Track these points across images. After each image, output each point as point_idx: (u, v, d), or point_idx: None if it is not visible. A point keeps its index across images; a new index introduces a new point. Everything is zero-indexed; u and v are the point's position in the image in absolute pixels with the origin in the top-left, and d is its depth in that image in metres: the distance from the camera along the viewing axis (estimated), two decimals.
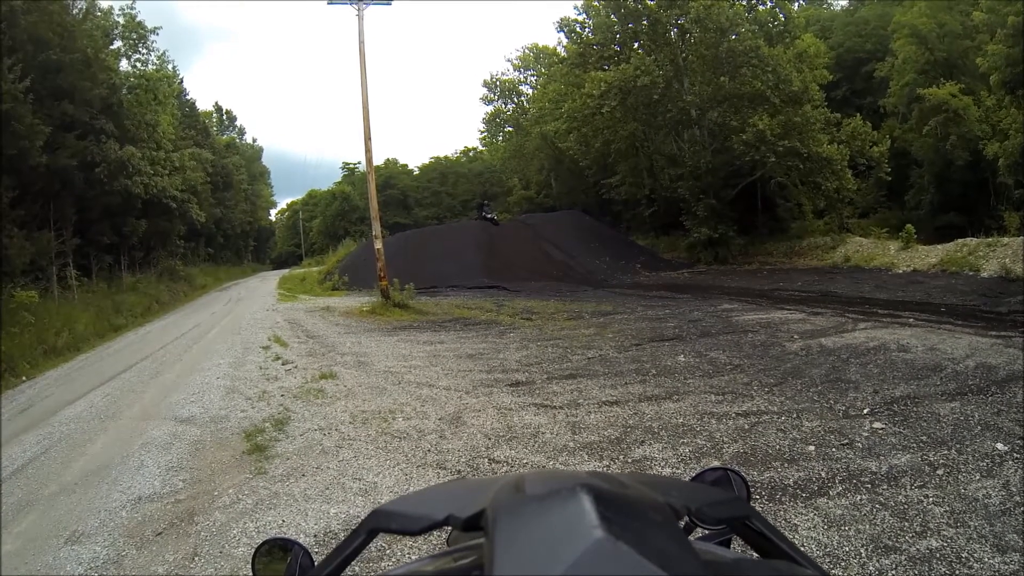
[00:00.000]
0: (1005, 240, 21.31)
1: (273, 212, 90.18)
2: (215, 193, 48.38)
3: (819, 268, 26.12)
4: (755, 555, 0.99)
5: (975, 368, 9.13)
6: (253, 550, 1.64)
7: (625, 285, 25.87)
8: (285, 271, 52.68)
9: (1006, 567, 4.40)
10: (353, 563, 1.03)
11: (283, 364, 12.39)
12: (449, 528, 1.00)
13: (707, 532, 1.42)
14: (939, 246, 23.22)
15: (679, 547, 0.69)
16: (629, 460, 6.61)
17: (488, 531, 0.73)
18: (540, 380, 10.09)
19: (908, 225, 25.93)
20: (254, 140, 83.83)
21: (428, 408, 8.81)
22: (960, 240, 22.69)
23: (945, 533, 4.86)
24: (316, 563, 1.51)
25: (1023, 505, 5.27)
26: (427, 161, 73.27)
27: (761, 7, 32.07)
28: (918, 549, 4.65)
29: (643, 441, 7.12)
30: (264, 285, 38.25)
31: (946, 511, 5.20)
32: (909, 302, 15.93)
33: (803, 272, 25.49)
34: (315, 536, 5.22)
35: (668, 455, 6.68)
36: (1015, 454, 6.27)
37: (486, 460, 6.75)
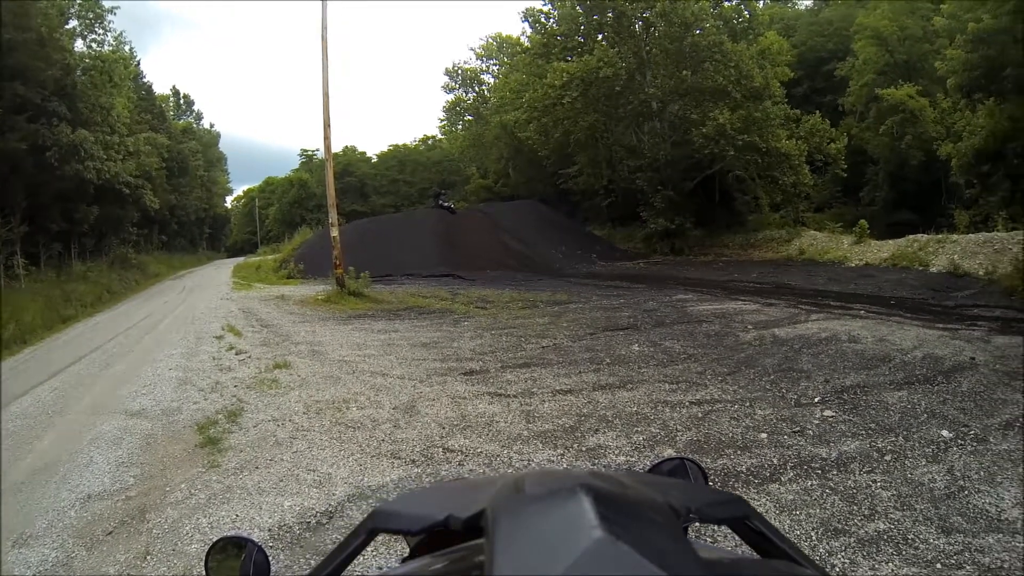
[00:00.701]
0: (954, 237, 21.85)
1: (229, 199, 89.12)
2: (170, 179, 47.59)
3: (774, 260, 26.50)
4: (755, 555, 0.99)
5: (922, 359, 9.36)
6: (206, 548, 1.61)
7: (581, 275, 25.98)
8: (240, 259, 51.91)
9: (951, 547, 4.54)
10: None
11: (237, 354, 12.24)
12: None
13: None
14: (891, 242, 23.74)
15: (679, 547, 0.70)
16: (583, 449, 6.64)
17: (488, 531, 0.74)
18: (494, 369, 10.11)
19: (862, 221, 26.54)
20: (212, 125, 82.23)
21: (382, 397, 8.78)
22: (911, 236, 23.20)
23: (892, 516, 5.00)
24: (270, 560, 1.54)
25: (967, 489, 5.45)
26: (386, 149, 72.49)
27: (727, 3, 32.47)
28: (866, 532, 4.77)
29: (597, 430, 7.16)
30: (219, 273, 37.69)
31: (893, 495, 5.36)
32: (861, 295, 16.24)
33: (758, 264, 25.90)
34: (269, 530, 5.15)
35: (622, 443, 6.73)
36: (959, 441, 6.48)
37: (440, 449, 6.75)
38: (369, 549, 1.30)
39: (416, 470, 6.22)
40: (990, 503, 5.23)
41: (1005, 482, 5.64)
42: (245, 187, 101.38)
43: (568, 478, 0.81)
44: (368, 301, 18.87)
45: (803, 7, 50.24)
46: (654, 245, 32.21)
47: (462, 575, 0.90)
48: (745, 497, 5.21)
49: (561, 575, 0.61)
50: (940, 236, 22.21)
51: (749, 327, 12.27)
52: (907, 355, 9.55)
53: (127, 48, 35.94)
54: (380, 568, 1.84)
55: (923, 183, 30.93)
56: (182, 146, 54.22)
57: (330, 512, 5.40)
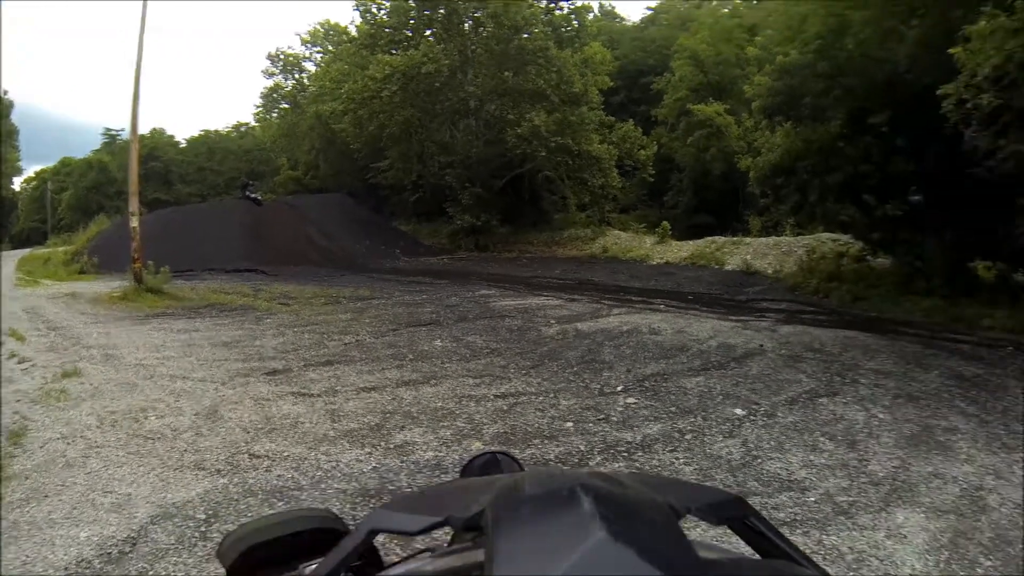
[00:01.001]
0: (748, 240, 24.36)
1: (18, 181, 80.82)
2: None
3: (578, 258, 27.54)
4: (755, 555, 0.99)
5: (717, 347, 10.05)
6: None
7: (384, 270, 25.81)
8: (26, 251, 47.46)
9: None
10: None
11: (19, 363, 10.91)
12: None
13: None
14: (691, 242, 25.59)
15: (679, 547, 0.69)
16: (391, 446, 6.59)
17: (488, 531, 0.72)
18: (297, 367, 9.85)
19: (664, 222, 28.79)
20: (5, 93, 74.17)
21: (183, 403, 8.25)
22: (709, 238, 25.42)
23: None
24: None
25: (760, 458, 6.14)
26: (197, 134, 68.42)
27: (558, 12, 33.23)
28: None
29: (403, 426, 7.14)
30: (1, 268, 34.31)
31: (695, 469, 5.88)
32: (661, 290, 17.18)
33: (562, 261, 26.82)
34: (66, 569, 4.56)
35: (429, 439, 6.74)
36: (751, 417, 7.22)
37: (246, 456, 6.44)
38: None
39: (222, 480, 5.86)
40: (781, 467, 5.89)
41: (793, 449, 6.38)
42: (37, 167, 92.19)
43: (568, 478, 0.82)
44: (168, 298, 17.73)
45: (631, 23, 52.11)
46: (459, 241, 32.55)
47: (462, 575, 0.89)
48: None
49: (561, 575, 0.60)
50: (735, 238, 24.65)
51: (552, 322, 12.65)
52: (703, 344, 10.15)
53: None
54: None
55: (723, 191, 33.41)
56: None
57: (132, 539, 4.88)
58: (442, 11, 32.35)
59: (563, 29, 32.54)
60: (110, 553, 4.68)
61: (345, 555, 0.94)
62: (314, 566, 1.16)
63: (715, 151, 32.73)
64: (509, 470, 1.64)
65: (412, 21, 34.11)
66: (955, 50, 11.39)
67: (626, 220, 35.26)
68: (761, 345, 10.25)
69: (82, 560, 4.61)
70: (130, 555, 4.63)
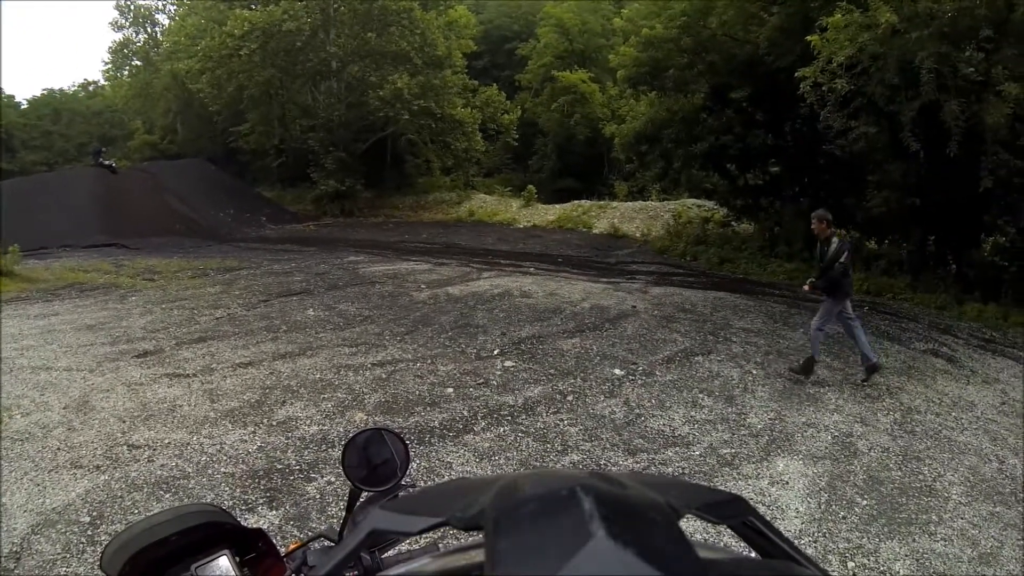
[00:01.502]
0: (615, 204, 24.83)
1: None
2: None
3: (444, 222, 27.61)
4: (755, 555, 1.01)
5: (590, 309, 10.31)
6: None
7: (250, 239, 25.15)
8: None
9: (638, 465, 5.36)
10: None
11: None
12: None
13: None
14: (557, 206, 26.09)
15: (679, 547, 0.69)
16: (274, 423, 6.54)
17: (488, 531, 0.71)
18: (169, 347, 9.53)
19: (530, 186, 29.31)
20: None
21: (49, 397, 7.75)
22: (576, 202, 25.90)
23: (584, 447, 5.69)
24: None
25: (643, 416, 6.40)
26: (39, 94, 62.96)
27: None
28: (562, 464, 5.36)
29: (284, 401, 7.11)
30: None
31: (581, 429, 6.07)
32: (529, 253, 17.44)
33: (428, 225, 26.81)
34: None
35: (312, 412, 6.74)
36: (630, 377, 7.52)
37: (125, 447, 6.20)
38: None
39: (103, 477, 5.60)
40: (664, 424, 6.18)
41: (674, 406, 6.69)
42: None
43: (568, 478, 0.80)
44: (20, 280, 16.43)
45: None
46: (324, 207, 31.93)
47: (462, 575, 0.88)
48: (444, 451, 5.48)
49: (561, 575, 0.60)
50: (602, 203, 25.17)
51: (423, 286, 12.76)
52: (576, 307, 10.38)
53: None
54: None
55: (588, 156, 34.31)
56: None
57: (16, 553, 4.57)
58: None
59: None
60: None
61: (345, 555, 0.93)
62: (207, 563, 1.15)
63: (579, 117, 33.38)
64: (393, 444, 1.67)
65: None
66: (812, 38, 12.24)
67: (491, 184, 35.56)
68: (634, 306, 10.71)
69: None
70: (15, 571, 4.38)
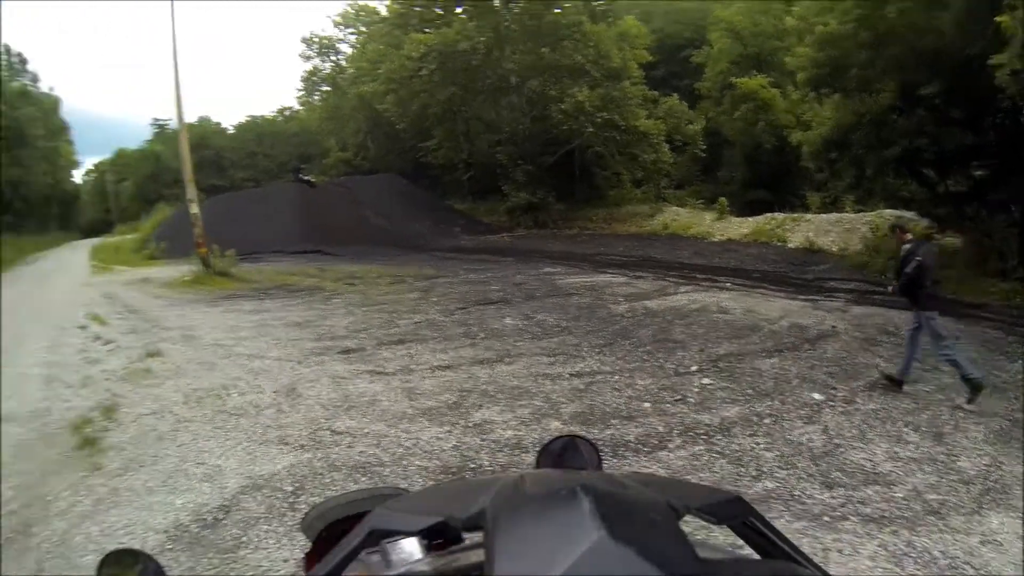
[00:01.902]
0: (808, 216, 23.35)
1: (78, 174, 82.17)
2: (8, 151, 43.48)
3: (638, 235, 27.05)
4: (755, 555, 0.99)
5: (788, 328, 9.82)
6: (98, 561, 1.43)
7: (446, 249, 25.79)
8: (97, 240, 48.41)
9: (834, 501, 4.83)
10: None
11: (104, 344, 11.29)
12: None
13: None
14: (751, 219, 24.89)
15: (679, 547, 0.70)
16: (470, 424, 6.61)
17: (488, 531, 0.73)
18: (370, 346, 9.92)
19: (721, 198, 27.81)
20: (51, 89, 75.03)
21: (262, 381, 8.42)
22: (769, 214, 24.51)
23: (778, 475, 5.28)
24: (165, 573, 1.43)
25: (842, 446, 5.85)
26: (243, 120, 69.04)
27: None
28: (756, 491, 4.98)
29: (481, 405, 7.14)
30: (75, 256, 34.66)
31: (777, 455, 5.66)
32: (725, 268, 16.86)
33: (623, 238, 26.37)
34: (166, 532, 4.79)
35: (508, 417, 6.72)
36: (830, 403, 6.94)
37: (328, 432, 6.56)
38: None
39: (307, 455, 5.99)
40: (864, 458, 5.60)
41: (876, 439, 6.08)
42: (95, 160, 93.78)
43: (568, 479, 0.84)
44: (236, 281, 18.07)
45: None
46: (518, 218, 32.22)
47: (462, 575, 0.90)
48: (637, 466, 5.31)
49: (561, 575, 0.61)
50: (795, 215, 23.65)
51: (620, 299, 12.53)
52: (774, 325, 9.98)
53: None
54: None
55: (776, 165, 32.32)
56: (18, 112, 49.40)
57: (225, 507, 5.10)
58: None
59: (594, 4, 31.71)
60: (205, 520, 4.91)
61: (347, 554, 0.97)
62: (395, 541, 1.18)
63: (764, 124, 31.66)
64: (587, 455, 1.66)
65: None
66: (1002, 18, 10.88)
67: (682, 196, 34.30)
68: (834, 327, 9.92)
69: (179, 525, 4.86)
70: (224, 522, 4.85)
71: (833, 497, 4.90)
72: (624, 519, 0.71)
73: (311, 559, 1.39)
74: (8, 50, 62.34)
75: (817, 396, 7.10)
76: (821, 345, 8.96)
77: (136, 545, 4.30)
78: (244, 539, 4.53)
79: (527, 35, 30.54)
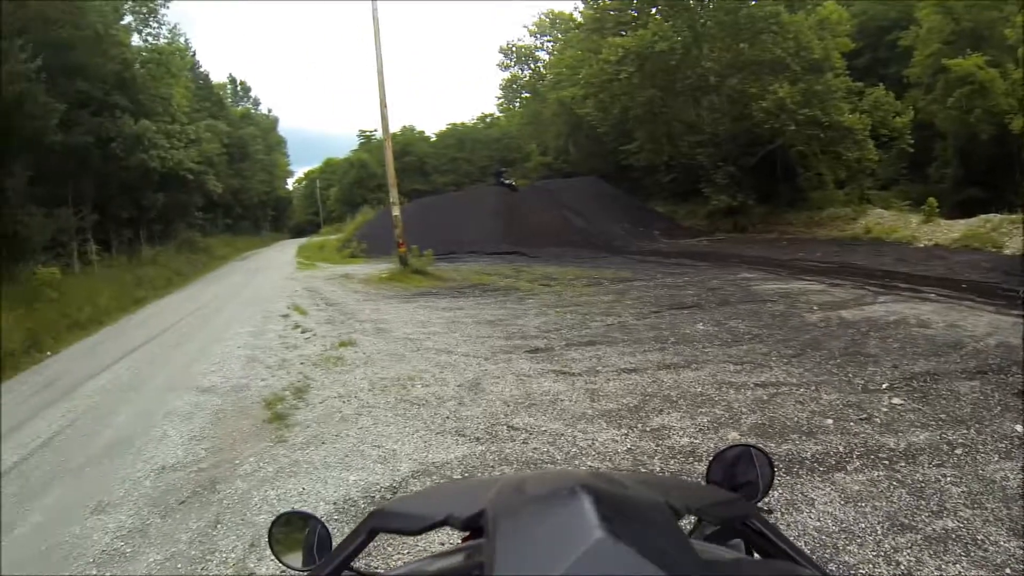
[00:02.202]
0: None
1: (290, 182, 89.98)
2: (232, 164, 48.15)
3: (839, 239, 25.68)
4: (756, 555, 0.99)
5: (996, 347, 8.96)
6: (272, 519, 1.64)
7: (644, 252, 25.68)
8: (303, 240, 52.52)
9: (1022, 552, 4.37)
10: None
11: (302, 332, 12.44)
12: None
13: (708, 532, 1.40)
14: (961, 221, 22.54)
15: (679, 547, 0.70)
16: (647, 429, 6.62)
17: (488, 531, 0.74)
18: (559, 347, 10.10)
19: (930, 199, 25.19)
20: (269, 111, 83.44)
21: (447, 375, 8.84)
22: (983, 216, 22.03)
23: (962, 514, 4.82)
24: (332, 535, 1.55)
25: None
26: (444, 128, 72.23)
27: None
28: (934, 529, 4.63)
29: (661, 410, 7.13)
30: (283, 254, 38.14)
31: (964, 491, 5.16)
32: (930, 277, 15.69)
33: (823, 243, 25.14)
34: (335, 503, 5.25)
35: (686, 424, 6.68)
36: None
37: (505, 427, 6.78)
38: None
39: (480, 448, 6.25)
40: None
41: None
42: (305, 169, 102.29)
43: (568, 479, 0.82)
44: (431, 279, 18.99)
45: None
46: (717, 222, 31.70)
47: (462, 575, 0.91)
48: (810, 485, 5.20)
49: (562, 575, 0.61)
50: (1014, 216, 21.16)
51: (815, 308, 12.05)
52: (980, 343, 9.15)
53: (182, 40, 36.83)
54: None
55: (995, 159, 29.36)
56: (241, 131, 54.63)
57: (394, 487, 5.47)
58: None
59: None
60: (373, 497, 5.28)
61: (347, 554, 0.99)
62: None
63: (980, 112, 28.51)
64: (761, 466, 1.62)
65: (635, 1, 33.71)
66: None
67: (887, 197, 32.04)
68: None
69: (348, 499, 5.28)
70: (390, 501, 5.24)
71: (1021, 547, 4.38)
72: (624, 519, 0.71)
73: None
74: (234, 80, 70.15)
75: (1020, 428, 6.30)
76: None
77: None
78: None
79: (724, 31, 29.96)
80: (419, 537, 4.18)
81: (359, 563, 1.17)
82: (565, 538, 0.67)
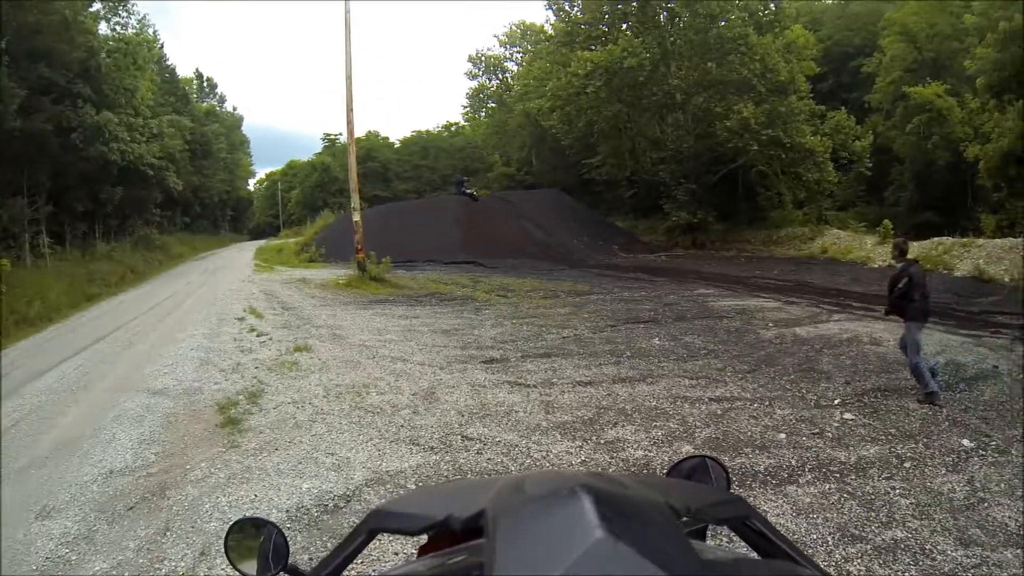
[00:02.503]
0: (980, 241, 21.44)
1: (252, 182, 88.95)
2: (193, 161, 47.47)
3: (796, 258, 26.17)
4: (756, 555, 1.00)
5: (945, 365, 9.20)
6: (226, 526, 1.64)
7: (602, 266, 25.85)
8: (262, 242, 52.04)
9: (968, 560, 4.48)
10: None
11: (258, 336, 12.31)
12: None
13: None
14: (915, 243, 22.88)
15: (679, 547, 0.70)
16: (602, 441, 6.66)
17: (488, 531, 0.74)
18: (514, 358, 10.13)
19: (886, 221, 25.91)
20: (235, 109, 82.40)
21: (402, 383, 8.81)
22: (936, 239, 22.61)
23: (910, 525, 4.96)
24: (288, 543, 1.53)
25: (987, 501, 5.36)
26: (409, 135, 72.16)
27: None
28: (884, 539, 4.73)
29: (616, 423, 7.16)
30: (241, 256, 37.80)
31: (912, 503, 5.31)
32: (883, 296, 15.84)
33: (780, 261, 25.59)
34: (287, 511, 5.20)
35: (640, 437, 6.73)
36: (980, 451, 6.39)
37: (459, 437, 6.78)
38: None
39: (434, 457, 6.24)
40: (1010, 517, 5.12)
41: None
42: (267, 170, 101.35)
43: (568, 479, 0.82)
44: (389, 286, 18.93)
45: (830, 1, 48.64)
46: (676, 238, 32.01)
47: (462, 575, 0.90)
48: (763, 498, 5.25)
49: (562, 575, 0.61)
50: (966, 240, 21.89)
51: (770, 325, 12.23)
52: (930, 361, 9.30)
53: (150, 31, 36.24)
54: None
55: (949, 184, 30.45)
56: (205, 128, 53.83)
57: (348, 496, 5.45)
58: (635, 3, 32.09)
59: (760, 14, 30.80)
60: (326, 505, 5.27)
61: (347, 555, 1.00)
62: None
63: (938, 138, 29.68)
64: (717, 476, 1.61)
65: (606, 16, 33.93)
66: None
67: (844, 218, 33.00)
68: (995, 366, 9.27)
69: (301, 507, 5.25)
70: (343, 510, 5.17)
71: (968, 556, 4.52)
72: (624, 519, 0.71)
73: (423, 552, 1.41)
74: (201, 75, 69.29)
75: (967, 443, 6.57)
76: (979, 386, 8.21)
77: None
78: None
79: (693, 50, 30.43)
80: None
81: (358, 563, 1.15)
82: (565, 538, 0.67)
